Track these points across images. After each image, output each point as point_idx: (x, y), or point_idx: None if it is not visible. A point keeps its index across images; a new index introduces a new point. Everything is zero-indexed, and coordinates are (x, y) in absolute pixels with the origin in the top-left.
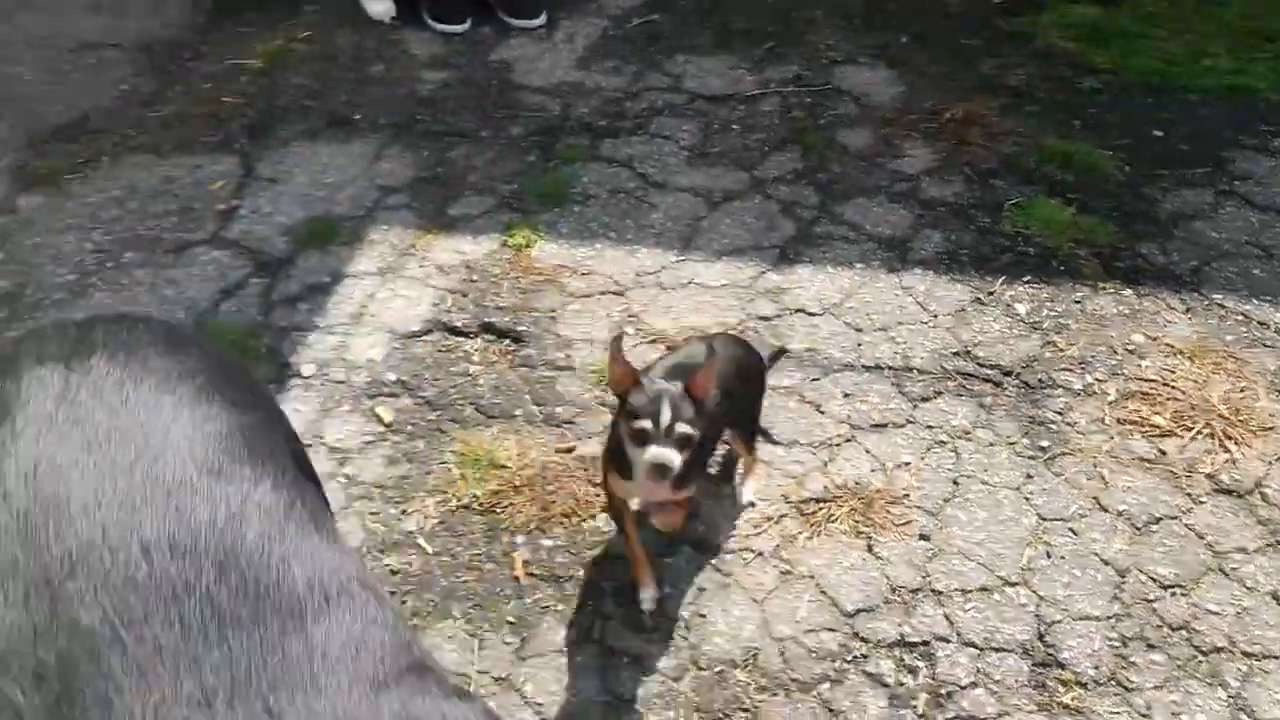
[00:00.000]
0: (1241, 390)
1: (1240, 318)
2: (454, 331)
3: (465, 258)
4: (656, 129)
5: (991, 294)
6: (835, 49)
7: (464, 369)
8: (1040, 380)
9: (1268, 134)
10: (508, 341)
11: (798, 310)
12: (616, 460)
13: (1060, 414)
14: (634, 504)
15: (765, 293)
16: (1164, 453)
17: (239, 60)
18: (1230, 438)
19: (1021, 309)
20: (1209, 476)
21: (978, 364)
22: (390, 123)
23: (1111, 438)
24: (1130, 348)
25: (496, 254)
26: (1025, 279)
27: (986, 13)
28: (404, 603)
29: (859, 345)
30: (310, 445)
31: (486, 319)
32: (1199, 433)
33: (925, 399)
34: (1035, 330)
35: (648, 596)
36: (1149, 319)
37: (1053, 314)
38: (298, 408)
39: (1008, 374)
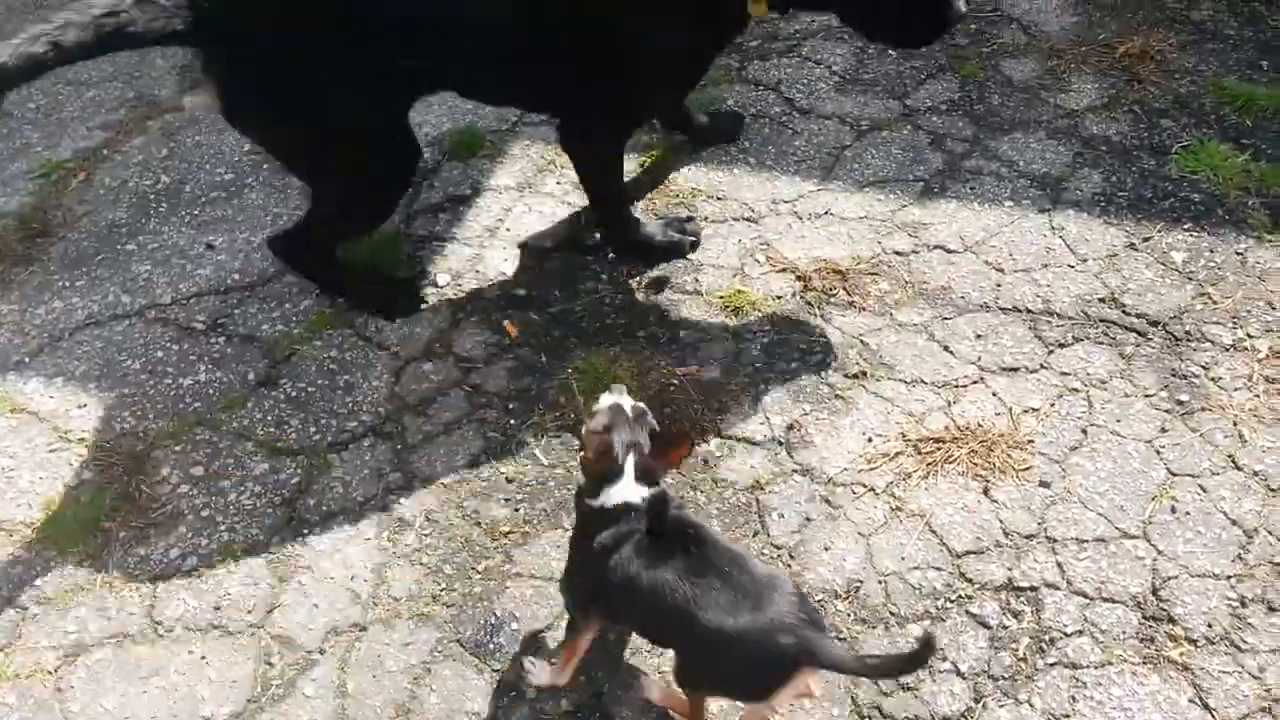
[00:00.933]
0: None
1: None
2: (586, 250)
3: None
4: (809, 52)
5: (1148, 240)
6: None
7: (592, 287)
8: (1188, 332)
9: None
10: (638, 263)
11: (936, 247)
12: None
13: (1205, 368)
14: None
15: (903, 226)
16: None
17: None
18: None
19: (1178, 257)
20: None
21: (1124, 311)
22: None
23: (1257, 395)
24: None
25: (633, 174)
26: (1186, 226)
27: None
28: (517, 510)
29: (998, 286)
30: (440, 354)
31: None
32: None
33: (1063, 344)
34: (1190, 280)
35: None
36: None
37: (1210, 264)
38: (430, 316)
39: (1154, 324)
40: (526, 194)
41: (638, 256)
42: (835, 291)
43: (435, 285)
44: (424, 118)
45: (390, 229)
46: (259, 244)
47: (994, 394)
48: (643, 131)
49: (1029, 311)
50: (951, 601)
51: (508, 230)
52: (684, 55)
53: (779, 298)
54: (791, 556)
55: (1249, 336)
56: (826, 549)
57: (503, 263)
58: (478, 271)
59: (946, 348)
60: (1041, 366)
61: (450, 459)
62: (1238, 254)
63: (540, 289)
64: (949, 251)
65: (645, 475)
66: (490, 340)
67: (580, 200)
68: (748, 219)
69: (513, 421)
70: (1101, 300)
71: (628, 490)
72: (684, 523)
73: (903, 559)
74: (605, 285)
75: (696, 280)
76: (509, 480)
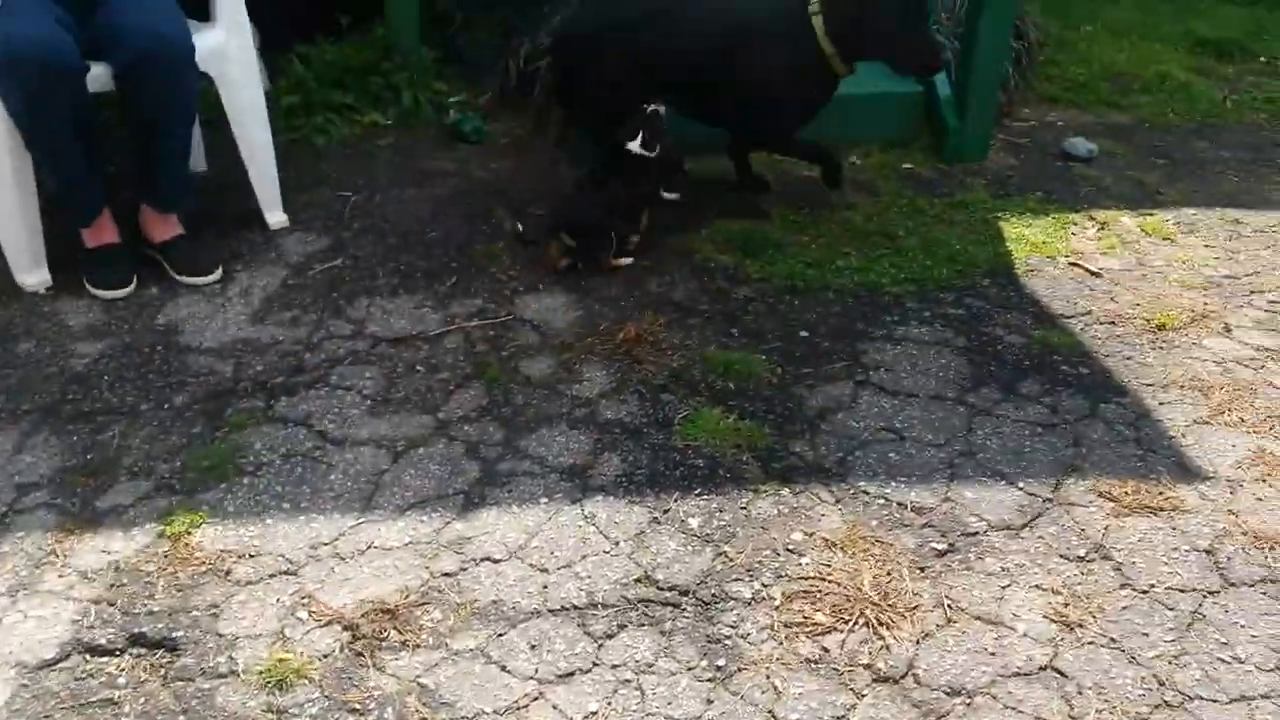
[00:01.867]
0: (889, 573)
1: (882, 501)
2: (96, 651)
3: (114, 558)
4: (337, 380)
5: (667, 511)
6: (517, 279)
7: (107, 697)
8: (714, 595)
9: (892, 323)
10: (161, 653)
11: (484, 559)
12: None
13: (734, 627)
14: None
15: (449, 545)
16: (827, 650)
17: None
18: (882, 623)
19: (694, 523)
20: (867, 667)
21: (658, 588)
22: (36, 407)
23: (780, 643)
24: (790, 547)
25: (151, 548)
26: (696, 491)
27: (654, 236)
28: None
29: (545, 588)
30: None
31: (137, 629)
32: (856, 623)
33: (610, 635)
34: (708, 543)
35: None
36: (805, 515)
37: (721, 524)
38: None
39: (685, 594)
40: (20, 598)
41: (817, 159)
42: (386, 634)
43: None
44: None
45: None
46: None
47: (554, 706)
48: (163, 494)
49: (576, 608)
50: None
51: None
52: (795, 105)
53: (326, 656)
54: None
55: (764, 586)
56: None
57: None
58: None
59: (504, 667)
60: (594, 664)
61: None
62: (742, 509)
63: (39, 716)
64: (496, 562)
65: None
66: None
67: (86, 594)
68: (286, 572)
69: None
70: (638, 581)
71: None
72: None
73: None
74: (122, 690)
75: (231, 659)
76: None
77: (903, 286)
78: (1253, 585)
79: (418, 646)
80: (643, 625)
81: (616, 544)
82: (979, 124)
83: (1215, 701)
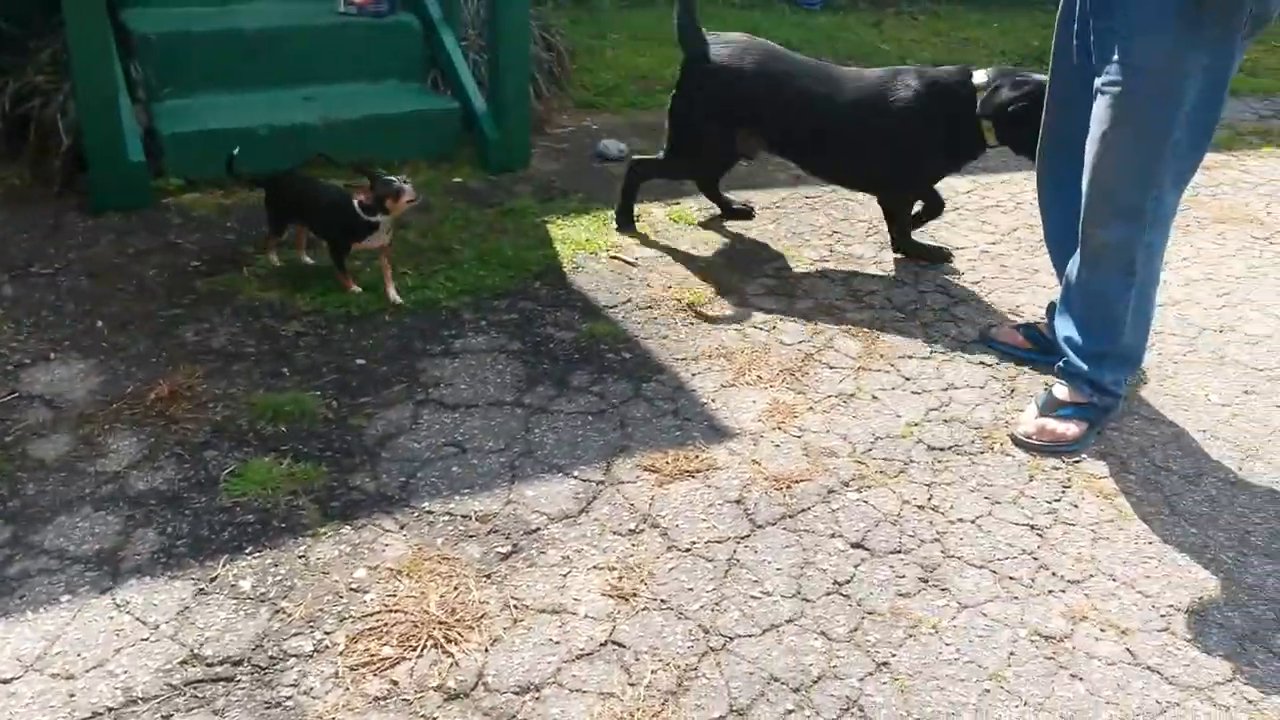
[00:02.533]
0: (455, 588)
1: (447, 517)
2: None
3: None
4: None
5: (215, 579)
6: (21, 349)
7: None
8: (271, 658)
9: (449, 337)
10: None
11: None
12: None
13: (295, 685)
14: None
15: None
16: (396, 683)
17: None
18: (450, 640)
19: (246, 585)
20: (438, 689)
21: (207, 665)
22: None
23: (346, 689)
24: (354, 586)
25: None
26: (248, 551)
27: (184, 279)
28: None
29: (71, 697)
30: None
31: None
32: (424, 647)
33: None
34: (263, 603)
35: None
36: (368, 549)
37: (278, 578)
38: None
39: (238, 664)
40: None
41: (912, 254)
42: None
43: None
44: None
45: None
46: None
47: None
48: None
49: (110, 709)
50: None
51: None
52: (941, 163)
53: None
54: None
55: (326, 635)
56: None
57: None
58: None
59: None
60: None
61: None
62: (300, 558)
63: None
64: (6, 682)
65: None
66: None
67: None
68: None
69: None
70: (183, 663)
71: None
72: None
73: None
74: None
75: None
76: None
77: (459, 299)
78: (775, 523)
79: None
80: (191, 710)
81: (156, 628)
82: (517, 134)
83: (750, 636)
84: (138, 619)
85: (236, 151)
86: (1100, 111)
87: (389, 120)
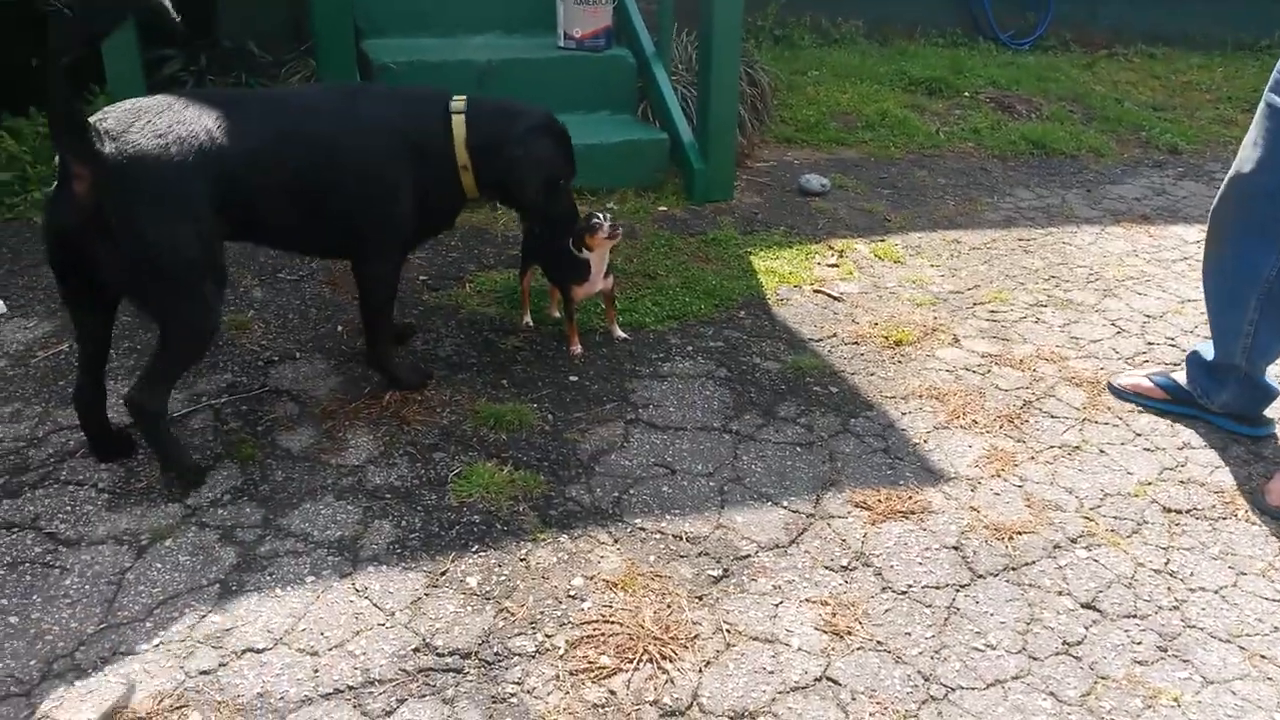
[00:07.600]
0: (669, 606)
1: (658, 536)
2: None
3: None
4: (68, 475)
5: (444, 574)
6: (270, 347)
7: None
8: (497, 654)
9: (657, 360)
10: None
11: (245, 651)
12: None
13: (519, 684)
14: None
15: (205, 640)
16: (614, 693)
17: None
18: (665, 657)
19: (473, 582)
20: (654, 704)
21: (437, 655)
22: None
23: (566, 692)
24: (572, 593)
25: None
26: (474, 549)
27: (414, 291)
28: None
29: (315, 673)
30: None
31: None
32: (640, 661)
33: (389, 712)
34: (488, 601)
35: None
36: (584, 559)
37: (501, 579)
38: None
39: (467, 656)
40: None
41: None
42: None
43: None
44: None
45: None
46: None
47: None
48: None
49: (350, 688)
50: None
51: None
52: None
53: None
54: None
55: (548, 637)
56: None
57: None
58: None
59: None
60: None
61: None
62: (521, 561)
63: None
64: (259, 652)
65: None
66: None
67: None
68: (18, 695)
69: None
70: (416, 650)
71: None
72: None
73: None
74: None
75: None
76: None
77: (666, 324)
78: (996, 575)
79: None
80: (424, 696)
81: (392, 614)
82: (721, 166)
83: (974, 689)
84: (375, 605)
85: None
86: None
87: (602, 149)
